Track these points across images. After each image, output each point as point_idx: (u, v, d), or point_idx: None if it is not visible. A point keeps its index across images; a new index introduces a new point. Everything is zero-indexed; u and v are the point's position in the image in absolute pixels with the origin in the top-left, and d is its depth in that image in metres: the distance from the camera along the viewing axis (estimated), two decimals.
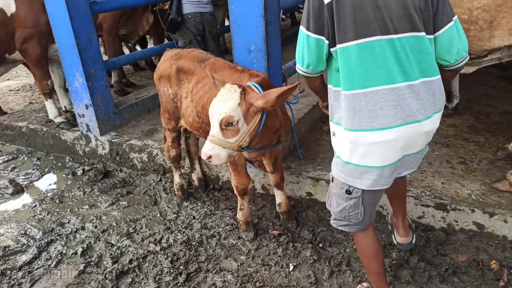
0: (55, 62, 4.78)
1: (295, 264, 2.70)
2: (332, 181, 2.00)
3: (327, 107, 2.09)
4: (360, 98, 1.69)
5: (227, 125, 2.15)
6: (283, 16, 10.06)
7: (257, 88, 2.29)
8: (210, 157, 2.19)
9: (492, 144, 3.62)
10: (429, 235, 2.85)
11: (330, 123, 1.95)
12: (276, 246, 2.87)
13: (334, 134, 1.92)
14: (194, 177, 3.69)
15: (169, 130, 3.34)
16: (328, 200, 2.09)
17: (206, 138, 3.15)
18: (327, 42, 1.74)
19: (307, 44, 1.80)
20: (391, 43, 1.65)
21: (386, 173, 1.81)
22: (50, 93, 4.69)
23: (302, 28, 1.81)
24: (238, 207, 3.02)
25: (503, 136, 3.74)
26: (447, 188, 2.99)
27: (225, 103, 2.14)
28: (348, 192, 1.89)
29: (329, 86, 1.92)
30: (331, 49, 1.76)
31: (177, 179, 3.57)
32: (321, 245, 2.86)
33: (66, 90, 4.98)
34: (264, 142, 2.48)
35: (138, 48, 7.46)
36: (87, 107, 4.17)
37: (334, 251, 2.80)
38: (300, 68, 1.94)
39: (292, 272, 2.64)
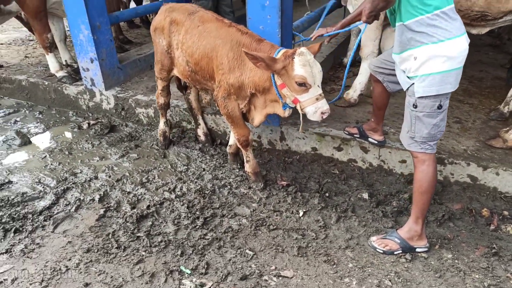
0: (56, 15, 4.70)
1: (304, 210, 2.90)
2: (416, 107, 2.26)
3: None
4: (443, 15, 2.09)
5: None
6: None
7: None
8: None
9: (485, 106, 3.84)
10: None
11: (409, 51, 2.21)
12: (286, 195, 3.06)
13: (416, 58, 2.17)
14: (200, 132, 3.80)
15: (161, 79, 3.49)
16: (412, 128, 2.33)
17: (195, 87, 3.40)
18: None
19: None
20: None
21: (460, 72, 2.21)
22: (50, 47, 4.63)
23: None
24: (245, 160, 3.18)
25: (495, 99, 3.97)
26: (445, 144, 3.21)
27: (316, 64, 2.44)
28: (440, 106, 2.22)
29: (402, 23, 2.20)
30: None
31: (161, 125, 3.76)
32: (327, 194, 3.07)
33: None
34: None
35: (132, 4, 7.30)
36: (92, 61, 4.16)
37: (339, 199, 3.02)
38: None
39: (302, 218, 2.84)
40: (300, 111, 2.53)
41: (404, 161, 3.16)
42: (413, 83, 2.25)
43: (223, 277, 2.35)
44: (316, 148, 3.50)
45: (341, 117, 3.69)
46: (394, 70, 2.58)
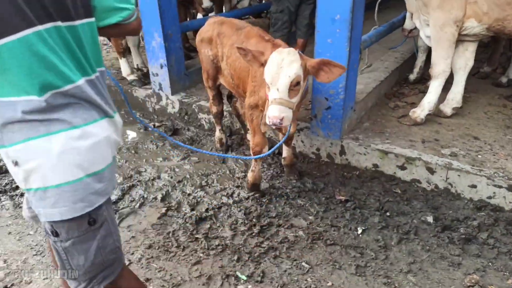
0: None
1: (363, 228, 2.82)
2: (58, 235, 1.40)
3: None
4: None
5: (295, 85, 2.37)
6: None
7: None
8: (282, 119, 2.35)
9: None
10: (498, 215, 2.87)
11: (10, 148, 1.31)
12: (344, 211, 3.00)
13: (17, 164, 1.31)
14: (249, 137, 3.86)
15: (209, 88, 3.63)
16: (67, 265, 1.46)
17: (239, 96, 3.45)
18: None
19: None
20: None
21: None
22: (123, 52, 4.93)
23: None
24: (250, 168, 3.21)
25: None
26: None
27: (291, 65, 2.32)
28: (92, 222, 1.44)
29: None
30: None
31: (217, 133, 3.90)
32: (388, 214, 2.96)
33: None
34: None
35: (199, 15, 7.60)
36: (161, 67, 4.37)
37: (401, 220, 2.90)
38: None
39: (360, 235, 2.76)
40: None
41: (474, 186, 2.98)
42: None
43: (279, 287, 2.34)
44: (378, 165, 3.40)
45: (406, 135, 3.56)
46: None
